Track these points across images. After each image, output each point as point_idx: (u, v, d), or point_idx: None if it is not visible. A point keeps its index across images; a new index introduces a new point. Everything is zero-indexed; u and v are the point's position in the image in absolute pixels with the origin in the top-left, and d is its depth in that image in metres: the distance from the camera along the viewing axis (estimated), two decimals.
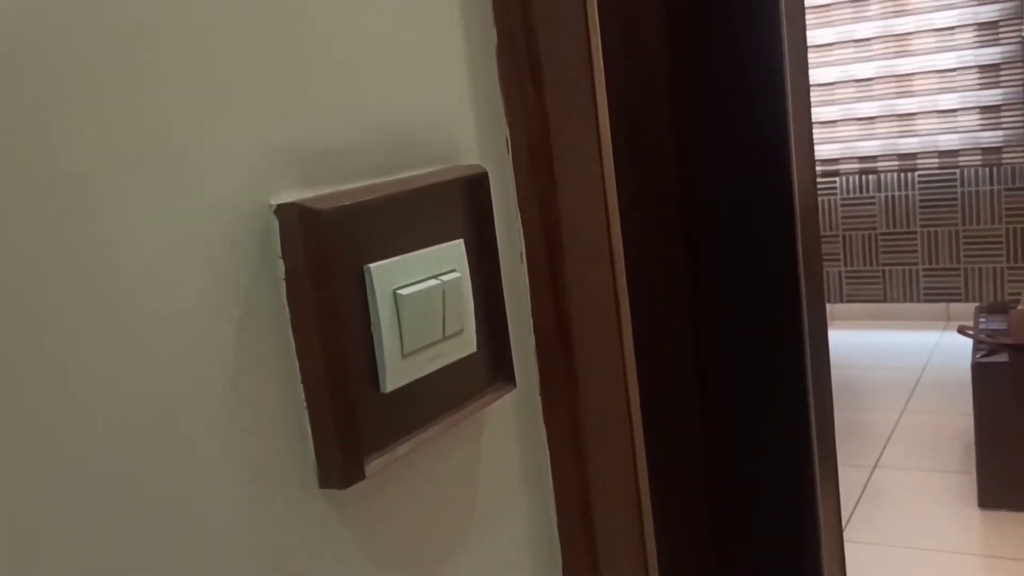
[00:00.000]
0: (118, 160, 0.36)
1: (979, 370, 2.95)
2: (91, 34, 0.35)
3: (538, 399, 0.61)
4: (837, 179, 5.42)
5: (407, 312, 0.46)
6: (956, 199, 5.19)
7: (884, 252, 5.41)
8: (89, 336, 0.35)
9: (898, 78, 5.16)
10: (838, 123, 5.33)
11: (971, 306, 4.86)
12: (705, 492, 1.21)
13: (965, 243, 5.21)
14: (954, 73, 5.04)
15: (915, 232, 5.32)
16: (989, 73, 4.97)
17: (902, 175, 5.28)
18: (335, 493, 0.45)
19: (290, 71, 0.43)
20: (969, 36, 4.97)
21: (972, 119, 5.05)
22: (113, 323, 0.35)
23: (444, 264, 0.50)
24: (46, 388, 0.33)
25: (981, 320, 3.26)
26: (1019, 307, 2.96)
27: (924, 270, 5.33)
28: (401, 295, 0.46)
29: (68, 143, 0.34)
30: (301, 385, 0.43)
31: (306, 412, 0.44)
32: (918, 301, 5.38)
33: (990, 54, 4.95)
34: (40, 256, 0.33)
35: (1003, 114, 4.99)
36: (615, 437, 0.66)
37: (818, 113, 5.32)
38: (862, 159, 5.33)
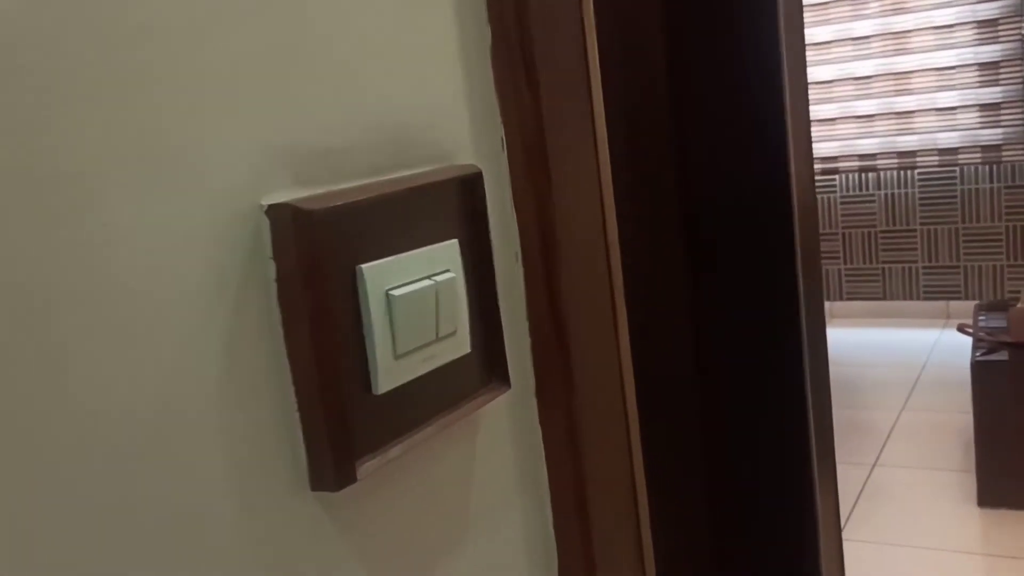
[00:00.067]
0: (118, 160, 0.36)
1: (979, 368, 2.95)
2: (91, 34, 0.35)
3: (534, 399, 0.61)
4: (836, 177, 5.41)
5: (400, 313, 0.46)
6: (956, 197, 5.19)
7: (884, 250, 5.41)
8: (83, 336, 0.34)
9: (897, 76, 5.15)
10: (837, 121, 5.33)
11: (971, 304, 4.85)
12: (703, 490, 1.21)
13: (965, 241, 5.21)
14: (953, 71, 5.03)
15: (915, 230, 5.31)
16: (989, 71, 4.97)
17: (902, 173, 5.27)
18: (327, 495, 0.45)
19: (289, 71, 0.43)
20: (968, 33, 4.97)
21: (972, 117, 5.05)
22: (106, 323, 0.35)
23: (438, 264, 0.49)
24: (44, 388, 0.33)
25: (981, 318, 3.26)
26: (1019, 305, 2.96)
27: (924, 268, 5.33)
28: (393, 296, 0.46)
29: (68, 142, 0.34)
30: (293, 387, 0.43)
31: (298, 414, 0.43)
32: (918, 299, 5.38)
33: (990, 51, 4.95)
34: (40, 256, 0.33)
35: (1003, 112, 4.99)
36: (611, 437, 0.66)
37: (817, 111, 5.32)
38: (861, 157, 5.33)
